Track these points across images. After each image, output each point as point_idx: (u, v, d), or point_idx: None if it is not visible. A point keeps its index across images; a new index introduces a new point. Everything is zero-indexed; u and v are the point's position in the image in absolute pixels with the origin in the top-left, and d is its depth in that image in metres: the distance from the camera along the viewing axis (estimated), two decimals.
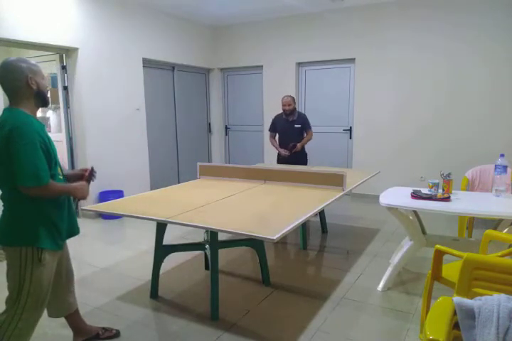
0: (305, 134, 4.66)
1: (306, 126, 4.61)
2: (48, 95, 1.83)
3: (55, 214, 1.78)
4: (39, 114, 5.19)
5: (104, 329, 2.23)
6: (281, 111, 4.64)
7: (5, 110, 1.70)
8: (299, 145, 4.52)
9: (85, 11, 4.41)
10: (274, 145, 4.79)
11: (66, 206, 1.86)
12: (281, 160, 4.69)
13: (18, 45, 4.03)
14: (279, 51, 5.97)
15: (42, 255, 1.71)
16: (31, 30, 3.91)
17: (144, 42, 5.19)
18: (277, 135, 4.79)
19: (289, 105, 4.53)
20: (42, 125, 1.74)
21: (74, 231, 1.94)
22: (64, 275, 2.00)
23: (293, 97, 4.61)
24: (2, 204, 1.72)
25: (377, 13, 5.18)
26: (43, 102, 1.79)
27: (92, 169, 1.96)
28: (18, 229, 1.69)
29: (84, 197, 1.83)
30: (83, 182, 1.86)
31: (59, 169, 1.82)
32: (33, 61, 1.76)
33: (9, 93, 1.70)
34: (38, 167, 1.60)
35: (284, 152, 4.58)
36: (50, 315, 2.05)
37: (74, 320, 2.13)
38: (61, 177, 1.83)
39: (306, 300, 2.65)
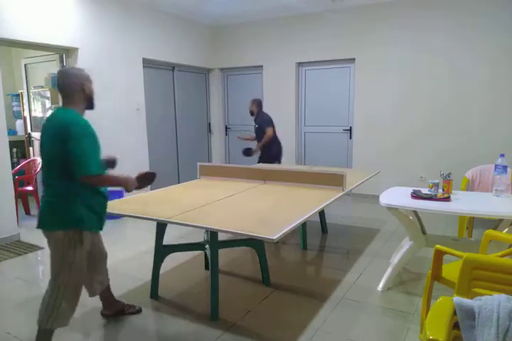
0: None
1: (262, 125, 4.76)
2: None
3: (95, 200, 1.98)
4: (39, 114, 5.20)
5: (128, 305, 2.46)
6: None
7: (58, 109, 1.95)
8: (255, 147, 4.81)
9: (85, 10, 4.41)
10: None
11: (106, 192, 2.07)
12: (259, 159, 4.97)
13: (18, 45, 4.03)
14: (279, 51, 5.97)
15: (83, 237, 1.92)
16: (31, 30, 3.91)
17: (144, 42, 5.19)
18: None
19: (249, 108, 4.90)
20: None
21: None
22: (99, 254, 2.23)
23: (254, 100, 4.94)
24: (46, 192, 1.91)
25: (377, 13, 5.18)
26: (90, 105, 2.03)
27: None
28: (66, 214, 1.88)
29: (132, 189, 2.04)
30: (131, 177, 2.07)
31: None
32: (83, 68, 2.03)
33: (65, 95, 1.94)
34: (93, 159, 1.84)
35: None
36: (91, 293, 2.24)
37: (106, 294, 2.36)
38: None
39: (306, 300, 2.65)
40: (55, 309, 1.91)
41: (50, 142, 1.86)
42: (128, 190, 2.04)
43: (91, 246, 2.07)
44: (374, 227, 4.28)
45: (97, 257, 2.22)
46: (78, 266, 1.95)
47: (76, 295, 1.99)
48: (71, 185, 1.87)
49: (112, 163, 2.27)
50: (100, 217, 2.03)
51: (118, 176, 2.00)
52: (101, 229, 2.07)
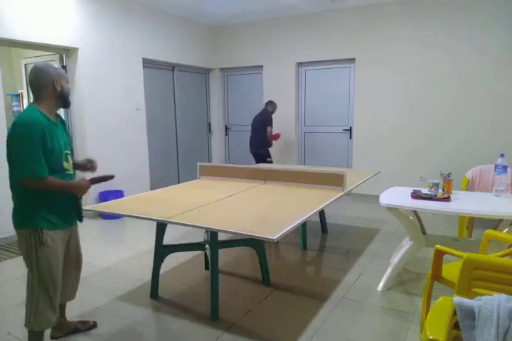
0: None
1: None
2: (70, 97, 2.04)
3: (52, 197, 1.90)
4: None
5: (82, 322, 2.31)
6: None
7: (27, 106, 1.93)
8: None
9: (85, 10, 4.41)
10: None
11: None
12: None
13: (18, 45, 4.03)
14: (279, 51, 5.97)
15: (43, 237, 1.86)
16: (31, 30, 3.91)
17: (144, 42, 5.19)
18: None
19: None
20: (50, 123, 1.88)
21: (79, 218, 2.09)
22: (73, 262, 2.13)
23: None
24: (11, 192, 1.91)
25: (378, 13, 5.18)
26: (65, 103, 1.99)
27: (93, 162, 2.21)
28: (22, 214, 1.89)
29: (82, 194, 2.01)
30: (84, 180, 2.01)
31: (66, 164, 1.96)
32: (57, 65, 1.99)
33: (34, 91, 1.90)
34: (33, 161, 1.76)
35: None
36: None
37: (61, 312, 2.15)
38: (70, 172, 2.00)
39: (306, 300, 2.65)
40: (33, 309, 1.89)
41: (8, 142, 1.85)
42: (78, 194, 1.99)
43: (63, 246, 1.99)
44: (374, 227, 4.28)
45: (70, 263, 2.10)
46: (46, 266, 1.88)
47: (51, 296, 1.92)
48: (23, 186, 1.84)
49: (83, 166, 2.17)
50: (62, 213, 1.95)
51: (62, 182, 1.89)
52: (56, 227, 1.92)
